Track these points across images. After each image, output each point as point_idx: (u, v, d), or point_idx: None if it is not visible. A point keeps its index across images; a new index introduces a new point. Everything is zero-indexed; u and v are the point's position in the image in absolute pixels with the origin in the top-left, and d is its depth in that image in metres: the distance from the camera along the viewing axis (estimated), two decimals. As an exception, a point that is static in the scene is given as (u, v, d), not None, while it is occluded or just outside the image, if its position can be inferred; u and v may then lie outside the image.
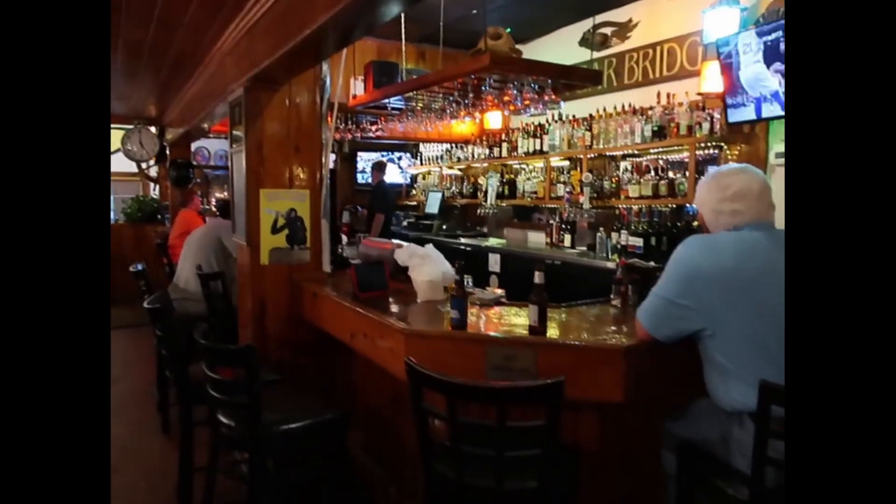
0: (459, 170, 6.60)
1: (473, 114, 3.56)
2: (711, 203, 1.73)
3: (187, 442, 2.46)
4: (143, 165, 7.94)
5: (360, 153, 7.45)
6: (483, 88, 3.17)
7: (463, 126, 5.96)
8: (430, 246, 2.68)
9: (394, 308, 2.38)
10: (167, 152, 7.10)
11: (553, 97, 3.15)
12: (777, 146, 3.62)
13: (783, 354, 1.49)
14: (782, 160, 3.57)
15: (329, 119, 3.19)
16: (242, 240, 3.05)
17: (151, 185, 9.25)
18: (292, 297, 3.05)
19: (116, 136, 9.77)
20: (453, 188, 6.58)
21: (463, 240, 5.77)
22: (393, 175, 7.32)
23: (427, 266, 2.53)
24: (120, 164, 10.29)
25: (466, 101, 3.46)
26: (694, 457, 1.73)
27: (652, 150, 4.33)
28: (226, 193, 9.76)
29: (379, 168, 6.50)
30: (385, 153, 7.39)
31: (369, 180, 6.93)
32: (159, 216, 7.96)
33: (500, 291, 2.58)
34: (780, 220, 1.77)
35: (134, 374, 4.85)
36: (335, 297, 2.61)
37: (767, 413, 1.40)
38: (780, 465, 1.44)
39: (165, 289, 4.16)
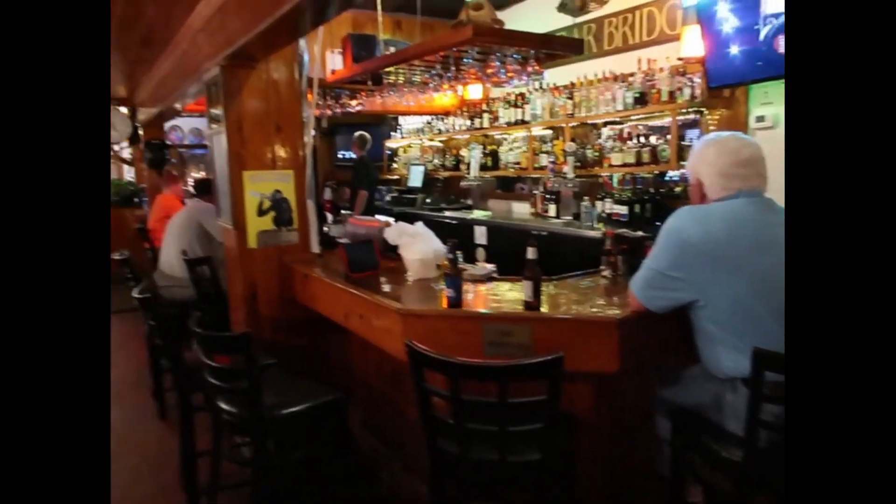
0: (441, 142, 6.55)
1: (455, 87, 3.51)
2: (721, 166, 1.71)
3: (188, 428, 2.47)
4: (116, 147, 7.74)
5: (338, 127, 7.34)
6: (465, 61, 3.13)
7: (443, 98, 5.90)
8: (419, 224, 2.68)
9: (386, 287, 2.39)
10: (140, 133, 6.91)
11: (536, 67, 3.12)
12: (757, 110, 3.65)
13: (774, 322, 1.54)
14: (763, 123, 3.61)
15: (309, 96, 3.13)
16: (229, 223, 3.01)
17: (125, 167, 9.04)
18: (283, 278, 3.03)
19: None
20: (435, 161, 6.54)
21: (448, 213, 5.77)
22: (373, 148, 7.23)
23: (418, 244, 2.53)
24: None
25: (448, 74, 3.42)
26: (687, 421, 1.79)
27: (633, 117, 4.34)
28: (202, 173, 9.59)
29: (360, 142, 6.41)
30: (363, 126, 7.29)
31: (349, 155, 6.85)
32: (136, 199, 7.79)
33: (490, 266, 2.60)
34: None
35: (124, 360, 4.83)
36: (327, 279, 2.60)
37: (761, 379, 1.45)
38: (772, 427, 1.49)
39: (150, 274, 4.11)
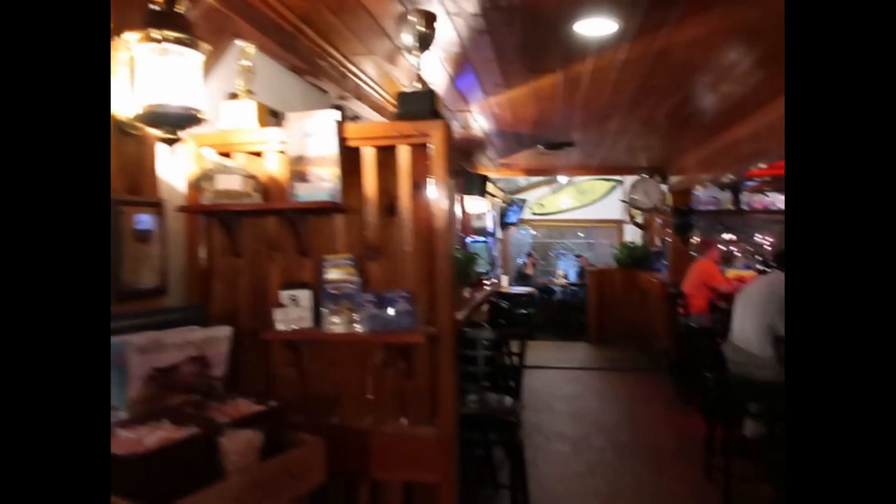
0: None
1: None
2: None
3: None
4: (637, 211, 8.34)
5: None
6: None
7: None
8: None
9: None
10: (668, 201, 7.19)
11: None
12: None
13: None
14: None
15: None
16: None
17: (634, 230, 9.61)
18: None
19: (603, 186, 10.54)
20: None
21: None
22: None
23: None
24: (600, 211, 10.93)
25: None
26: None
27: None
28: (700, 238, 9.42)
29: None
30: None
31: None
32: (645, 261, 8.16)
33: None
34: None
35: (640, 419, 4.93)
36: None
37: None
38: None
39: (680, 338, 4.01)
